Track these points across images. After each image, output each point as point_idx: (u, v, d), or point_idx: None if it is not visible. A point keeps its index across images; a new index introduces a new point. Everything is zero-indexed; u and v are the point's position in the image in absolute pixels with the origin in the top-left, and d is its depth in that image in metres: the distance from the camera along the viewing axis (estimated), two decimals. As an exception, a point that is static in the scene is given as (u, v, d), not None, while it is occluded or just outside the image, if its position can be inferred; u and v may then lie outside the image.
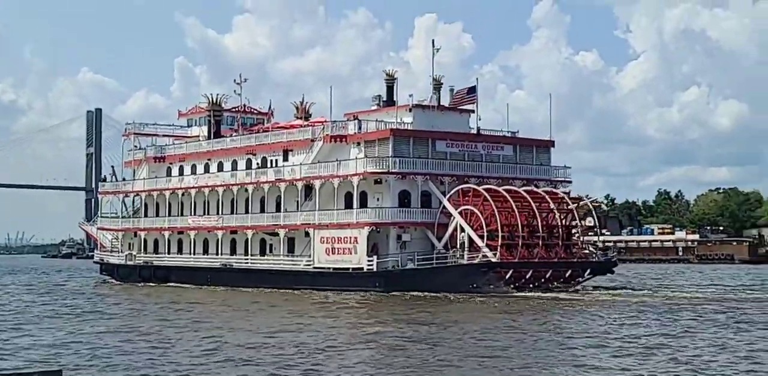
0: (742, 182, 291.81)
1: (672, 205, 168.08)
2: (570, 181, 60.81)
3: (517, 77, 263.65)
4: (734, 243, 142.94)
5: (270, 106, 70.33)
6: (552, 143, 61.17)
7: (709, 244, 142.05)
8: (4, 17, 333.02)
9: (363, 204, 55.86)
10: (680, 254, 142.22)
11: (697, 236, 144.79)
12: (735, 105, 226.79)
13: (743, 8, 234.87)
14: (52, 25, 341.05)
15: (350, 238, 55.30)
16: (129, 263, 70.44)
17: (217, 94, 68.17)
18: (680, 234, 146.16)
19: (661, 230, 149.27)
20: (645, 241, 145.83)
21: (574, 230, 56.63)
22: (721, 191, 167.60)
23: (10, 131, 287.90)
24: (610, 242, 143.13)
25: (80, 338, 30.57)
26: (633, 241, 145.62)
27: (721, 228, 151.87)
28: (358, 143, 57.00)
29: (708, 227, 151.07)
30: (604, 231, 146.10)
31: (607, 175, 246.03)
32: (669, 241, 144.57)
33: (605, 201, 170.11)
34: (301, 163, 58.93)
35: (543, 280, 53.10)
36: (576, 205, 56.23)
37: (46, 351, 27.35)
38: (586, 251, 57.07)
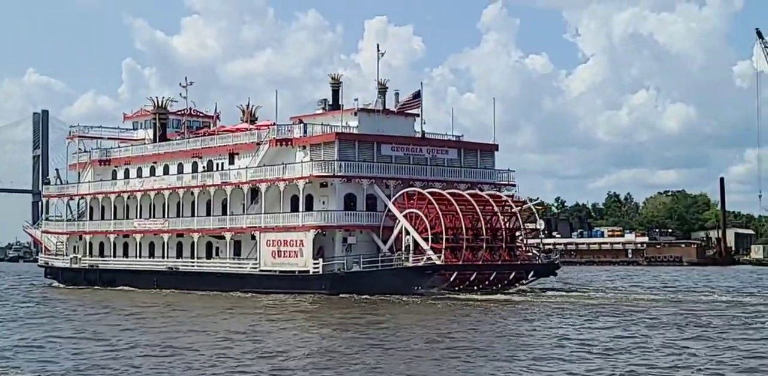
0: (689, 185, 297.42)
1: (621, 207, 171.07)
2: (514, 185, 62.35)
3: (467, 80, 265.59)
4: (683, 245, 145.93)
5: (216, 109, 71.06)
6: (496, 147, 62.64)
7: (658, 246, 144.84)
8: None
9: (309, 207, 56.81)
10: (630, 256, 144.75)
11: (646, 239, 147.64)
12: (683, 108, 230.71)
13: (690, 13, 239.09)
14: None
15: (296, 241, 56.26)
16: (74, 266, 70.77)
17: (163, 98, 68.88)
18: (630, 237, 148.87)
19: (611, 233, 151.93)
20: (595, 243, 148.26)
21: (517, 233, 58.05)
22: (669, 193, 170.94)
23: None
24: (560, 244, 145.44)
25: (27, 344, 30.76)
26: (583, 243, 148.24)
27: (670, 230, 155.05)
28: (304, 147, 57.98)
29: (657, 230, 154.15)
30: (554, 233, 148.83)
31: (557, 178, 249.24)
32: (619, 243, 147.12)
33: (555, 204, 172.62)
34: (247, 167, 59.77)
35: (487, 282, 54.39)
36: (519, 208, 57.64)
37: None
38: (530, 254, 58.52)
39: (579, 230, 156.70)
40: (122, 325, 36.89)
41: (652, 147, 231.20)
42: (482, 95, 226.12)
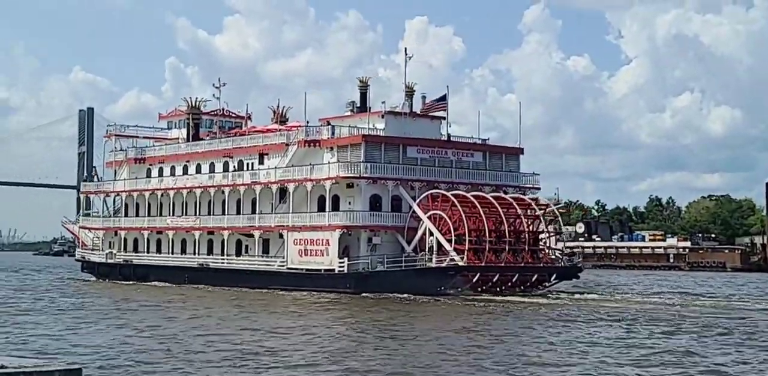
0: (734, 189, 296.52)
1: (663, 211, 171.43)
2: (539, 188, 64.32)
3: (507, 81, 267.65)
4: (726, 251, 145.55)
5: (247, 110, 73.81)
6: (521, 150, 64.67)
7: (700, 251, 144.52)
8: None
9: (335, 207, 59.21)
10: (671, 261, 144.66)
11: (688, 243, 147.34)
12: (728, 111, 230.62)
13: (736, 14, 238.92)
14: (45, 23, 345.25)
15: (322, 240, 58.67)
16: (109, 261, 74.03)
17: (196, 98, 71.79)
18: (671, 241, 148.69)
19: (652, 237, 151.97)
20: (636, 247, 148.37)
21: (541, 236, 59.98)
22: (713, 198, 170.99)
23: (2, 130, 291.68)
24: (600, 247, 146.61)
25: (84, 335, 32.67)
26: (624, 247, 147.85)
27: (713, 236, 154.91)
28: (332, 148, 60.38)
29: (700, 235, 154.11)
30: (594, 236, 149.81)
31: (598, 181, 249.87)
32: (660, 248, 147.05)
33: (595, 207, 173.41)
34: (276, 167, 62.34)
35: (509, 284, 56.39)
36: (543, 211, 59.60)
37: (49, 348, 28.73)
38: (553, 257, 60.42)
39: (619, 234, 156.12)
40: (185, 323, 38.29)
41: (696, 150, 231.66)
42: (523, 96, 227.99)
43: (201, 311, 43.91)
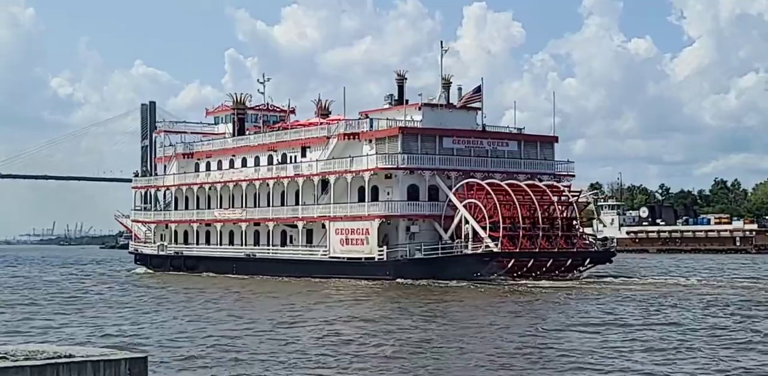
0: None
1: (729, 194, 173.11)
2: (573, 175, 68.35)
3: (568, 65, 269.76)
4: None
5: (289, 105, 78.70)
6: (556, 139, 68.73)
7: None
8: (60, 11, 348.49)
9: (374, 198, 63.76)
10: (738, 244, 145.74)
11: (755, 226, 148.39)
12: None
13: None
14: (106, 18, 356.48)
15: (362, 229, 63.30)
16: (161, 253, 79.77)
17: (241, 94, 77.01)
18: (738, 224, 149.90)
19: (717, 220, 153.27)
20: (701, 231, 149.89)
21: (574, 222, 63.95)
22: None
23: (66, 125, 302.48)
24: (664, 231, 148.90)
25: (146, 325, 34.99)
26: (688, 231, 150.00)
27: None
28: (370, 140, 64.93)
29: (767, 217, 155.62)
30: (658, 221, 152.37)
31: (662, 164, 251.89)
32: (726, 231, 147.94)
33: (658, 190, 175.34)
34: (317, 160, 67.15)
35: (544, 269, 60.49)
36: (576, 198, 63.57)
37: (114, 337, 30.82)
38: (586, 242, 64.40)
39: (684, 218, 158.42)
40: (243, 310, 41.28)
41: (761, 131, 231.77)
42: (584, 81, 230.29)
43: (279, 300, 47.04)
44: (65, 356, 7.47)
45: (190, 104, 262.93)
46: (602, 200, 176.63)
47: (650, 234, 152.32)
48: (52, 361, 7.17)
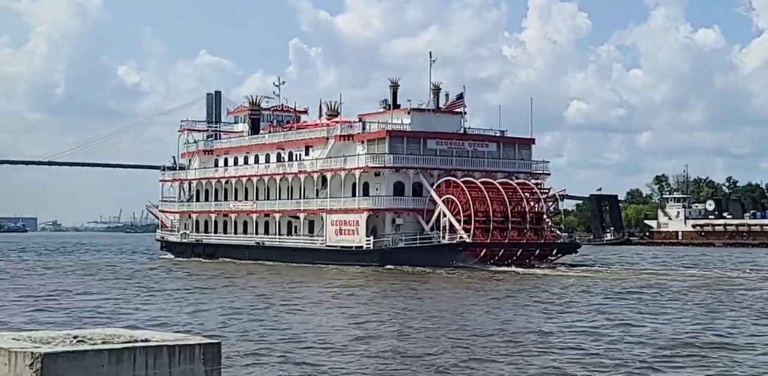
0: None
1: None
2: (548, 174, 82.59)
3: (633, 56, 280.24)
4: None
5: (296, 107, 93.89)
6: (532, 141, 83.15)
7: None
8: (126, 1, 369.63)
9: (365, 193, 78.44)
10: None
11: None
12: None
13: None
14: (170, 8, 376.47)
15: (354, 221, 78.05)
16: (183, 240, 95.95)
17: (257, 96, 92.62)
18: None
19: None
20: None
21: (544, 216, 78.07)
22: None
23: (133, 114, 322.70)
24: (731, 225, 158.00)
25: (207, 310, 38.62)
26: (756, 225, 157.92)
27: None
28: (362, 141, 79.66)
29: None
30: (725, 214, 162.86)
31: (729, 157, 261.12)
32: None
33: (726, 183, 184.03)
34: (317, 158, 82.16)
35: (514, 258, 74.53)
36: (545, 195, 77.72)
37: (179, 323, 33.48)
38: (554, 234, 78.57)
39: (752, 211, 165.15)
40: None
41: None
42: (650, 72, 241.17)
43: (319, 284, 55.75)
44: (141, 341, 7.57)
45: (254, 93, 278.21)
46: (667, 193, 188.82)
47: (716, 227, 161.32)
48: (129, 345, 7.30)
